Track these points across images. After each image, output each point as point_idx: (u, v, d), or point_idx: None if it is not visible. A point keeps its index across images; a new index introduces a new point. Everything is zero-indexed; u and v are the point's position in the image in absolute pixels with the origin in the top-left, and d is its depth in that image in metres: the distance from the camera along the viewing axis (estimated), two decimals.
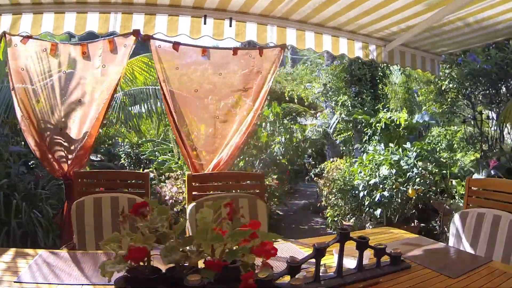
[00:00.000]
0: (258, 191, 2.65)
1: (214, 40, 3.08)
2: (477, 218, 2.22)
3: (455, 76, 4.57)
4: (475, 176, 3.85)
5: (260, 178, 2.68)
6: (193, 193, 2.56)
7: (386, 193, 3.75)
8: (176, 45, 2.99)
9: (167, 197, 4.56)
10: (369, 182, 3.84)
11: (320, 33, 3.26)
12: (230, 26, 2.99)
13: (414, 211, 4.05)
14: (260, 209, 2.56)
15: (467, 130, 4.93)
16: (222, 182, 2.71)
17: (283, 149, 4.41)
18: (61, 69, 2.93)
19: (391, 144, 4.31)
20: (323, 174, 4.83)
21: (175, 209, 4.22)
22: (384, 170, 3.86)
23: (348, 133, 5.30)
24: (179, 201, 4.37)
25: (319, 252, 1.54)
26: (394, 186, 3.77)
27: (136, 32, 2.90)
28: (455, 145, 4.74)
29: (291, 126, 4.72)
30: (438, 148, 4.63)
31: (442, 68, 4.74)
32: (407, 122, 4.69)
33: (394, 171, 3.85)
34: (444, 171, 4.09)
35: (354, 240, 1.63)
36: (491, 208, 2.22)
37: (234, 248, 1.35)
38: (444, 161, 4.50)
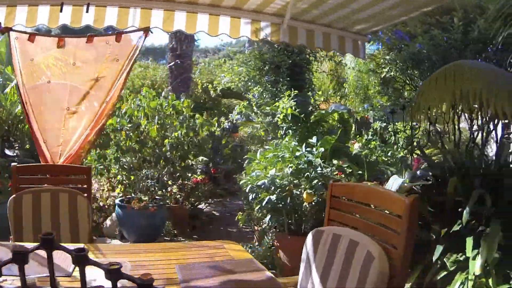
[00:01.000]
0: (85, 186, 2.52)
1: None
2: (332, 241, 1.59)
3: (398, 62, 3.94)
4: (394, 178, 3.15)
5: (86, 172, 2.53)
6: (20, 185, 2.50)
7: (273, 197, 3.29)
8: (32, 36, 2.96)
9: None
10: (257, 183, 3.42)
11: (191, 12, 2.97)
12: (87, 11, 2.88)
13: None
14: (81, 204, 2.47)
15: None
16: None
17: (174, 145, 4.15)
18: None
19: (286, 139, 3.83)
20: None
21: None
22: (273, 170, 3.42)
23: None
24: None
25: (19, 257, 1.34)
26: (287, 189, 3.30)
27: None
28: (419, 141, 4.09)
29: (191, 120, 4.42)
30: (374, 145, 4.03)
31: (383, 54, 4.14)
32: (315, 114, 4.16)
33: (290, 170, 3.39)
34: (360, 172, 3.52)
35: (64, 251, 1.38)
36: (353, 227, 1.63)
37: None
38: (387, 159, 3.90)
